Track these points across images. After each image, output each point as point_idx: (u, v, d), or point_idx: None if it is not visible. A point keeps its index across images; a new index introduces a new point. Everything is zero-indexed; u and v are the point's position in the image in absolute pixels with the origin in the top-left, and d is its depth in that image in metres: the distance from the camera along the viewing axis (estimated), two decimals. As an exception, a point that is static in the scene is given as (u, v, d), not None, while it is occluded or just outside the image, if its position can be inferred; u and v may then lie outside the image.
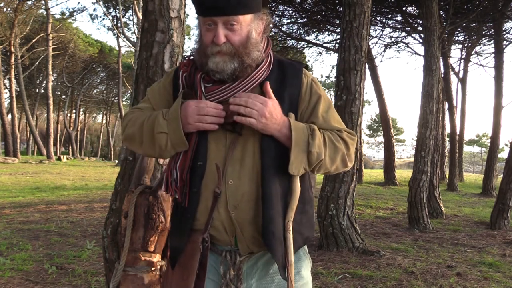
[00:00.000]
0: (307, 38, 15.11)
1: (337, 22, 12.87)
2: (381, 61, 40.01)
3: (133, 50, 26.88)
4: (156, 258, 1.61)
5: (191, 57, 1.35)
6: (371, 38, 13.89)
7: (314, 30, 14.58)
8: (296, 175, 1.25)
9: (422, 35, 8.93)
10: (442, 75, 11.95)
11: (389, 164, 15.64)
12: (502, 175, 7.17)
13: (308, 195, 1.36)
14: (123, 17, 29.82)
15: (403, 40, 15.15)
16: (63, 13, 30.72)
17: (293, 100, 1.31)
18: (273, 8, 12.48)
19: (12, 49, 23.43)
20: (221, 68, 1.22)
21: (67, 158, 27.43)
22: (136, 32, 25.37)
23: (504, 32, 13.05)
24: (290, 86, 1.31)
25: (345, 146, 1.30)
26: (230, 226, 1.26)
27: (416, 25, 12.90)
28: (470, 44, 15.87)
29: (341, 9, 9.12)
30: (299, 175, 1.26)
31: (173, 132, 1.24)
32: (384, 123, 16.49)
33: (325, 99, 1.34)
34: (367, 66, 13.61)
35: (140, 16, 19.01)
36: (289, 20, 13.78)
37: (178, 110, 1.24)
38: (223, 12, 1.19)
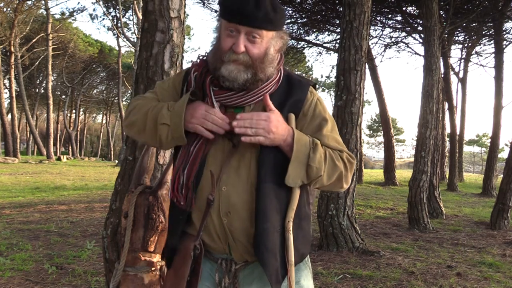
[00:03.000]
0: (307, 38, 15.12)
1: (337, 22, 12.86)
2: (381, 61, 39.94)
3: (133, 50, 26.85)
4: (156, 258, 1.61)
5: (204, 58, 1.35)
6: (371, 38, 13.88)
7: (314, 30, 14.57)
8: (293, 187, 1.26)
9: (422, 35, 8.93)
10: (442, 75, 11.95)
11: (389, 164, 15.64)
12: (502, 175, 7.17)
13: (305, 211, 1.35)
14: (123, 17, 29.81)
15: (403, 40, 15.14)
16: (63, 13, 30.70)
17: (293, 113, 1.31)
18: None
19: (12, 49, 23.43)
20: (233, 77, 1.22)
21: (67, 158, 27.43)
22: (136, 32, 25.37)
23: (504, 32, 13.03)
24: (294, 99, 1.31)
25: (344, 167, 1.30)
26: (223, 233, 1.27)
27: (416, 25, 12.89)
28: (470, 44, 15.86)
29: (341, 9, 9.11)
30: (296, 186, 1.26)
31: (174, 125, 1.25)
32: (384, 123, 16.49)
33: (329, 121, 1.34)
34: (367, 66, 13.60)
35: (140, 16, 19.01)
36: (289, 20, 13.74)
37: (184, 106, 1.25)
38: (250, 23, 1.19)
